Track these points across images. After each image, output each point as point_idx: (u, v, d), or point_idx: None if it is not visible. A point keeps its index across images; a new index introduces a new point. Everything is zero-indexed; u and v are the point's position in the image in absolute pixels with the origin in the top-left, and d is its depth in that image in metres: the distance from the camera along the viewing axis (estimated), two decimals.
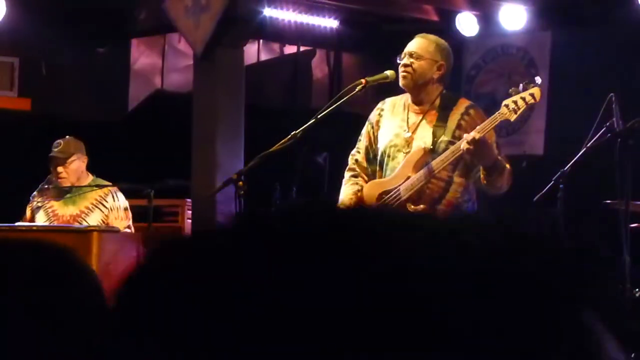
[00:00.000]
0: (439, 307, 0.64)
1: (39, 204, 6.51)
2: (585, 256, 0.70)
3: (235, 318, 0.66)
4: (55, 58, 8.94)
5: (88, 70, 9.24)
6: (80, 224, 6.33)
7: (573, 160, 5.67)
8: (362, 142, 4.92)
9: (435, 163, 4.61)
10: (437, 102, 4.76)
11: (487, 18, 8.70)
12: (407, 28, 7.81)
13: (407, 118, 4.77)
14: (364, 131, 4.93)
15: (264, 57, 10.17)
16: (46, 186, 6.54)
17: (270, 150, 4.76)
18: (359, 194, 4.82)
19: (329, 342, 0.64)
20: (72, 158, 6.40)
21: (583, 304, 0.68)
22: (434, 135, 4.69)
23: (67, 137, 6.49)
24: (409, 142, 4.72)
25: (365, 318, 0.64)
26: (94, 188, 6.42)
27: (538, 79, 4.78)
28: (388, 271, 0.65)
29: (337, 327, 0.64)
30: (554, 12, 8.51)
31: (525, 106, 4.62)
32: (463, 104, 4.78)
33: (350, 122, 5.22)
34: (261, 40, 9.93)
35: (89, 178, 6.50)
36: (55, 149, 6.42)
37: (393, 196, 4.68)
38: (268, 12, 8.38)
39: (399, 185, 4.68)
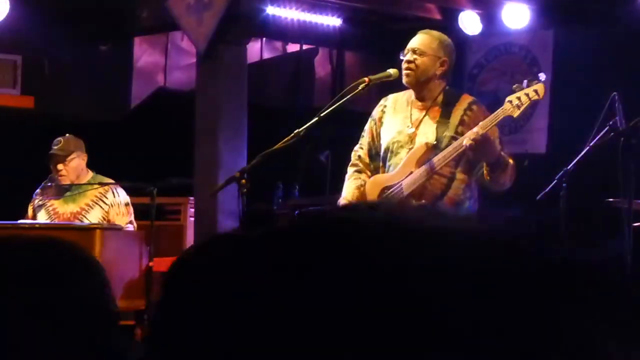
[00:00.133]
0: (439, 307, 0.64)
1: (40, 203, 6.52)
2: (585, 256, 0.70)
3: (236, 318, 0.66)
4: (58, 56, 8.94)
5: (91, 68, 9.24)
6: (81, 221, 6.34)
7: (576, 159, 5.66)
8: (364, 139, 4.92)
9: (437, 159, 4.60)
10: (440, 98, 4.75)
11: (489, 16, 8.70)
12: (410, 26, 7.80)
13: (410, 114, 4.77)
14: (366, 127, 4.93)
15: (266, 55, 10.16)
16: (49, 184, 6.55)
17: (273, 148, 4.75)
18: (361, 189, 4.81)
19: (329, 342, 0.64)
20: (72, 156, 6.41)
21: (583, 304, 0.68)
22: (437, 131, 4.68)
23: (67, 135, 6.50)
24: (412, 138, 4.72)
25: (365, 318, 0.64)
26: (95, 186, 6.42)
27: (542, 76, 4.74)
28: (388, 271, 0.66)
29: (337, 327, 0.64)
30: (556, 10, 8.50)
31: (528, 102, 4.60)
32: (466, 100, 4.78)
33: (353, 120, 5.22)
34: (264, 39, 9.92)
35: (89, 175, 6.50)
36: (55, 147, 6.42)
37: (395, 192, 4.68)
38: (271, 10, 8.37)
39: (401, 181, 4.68)
